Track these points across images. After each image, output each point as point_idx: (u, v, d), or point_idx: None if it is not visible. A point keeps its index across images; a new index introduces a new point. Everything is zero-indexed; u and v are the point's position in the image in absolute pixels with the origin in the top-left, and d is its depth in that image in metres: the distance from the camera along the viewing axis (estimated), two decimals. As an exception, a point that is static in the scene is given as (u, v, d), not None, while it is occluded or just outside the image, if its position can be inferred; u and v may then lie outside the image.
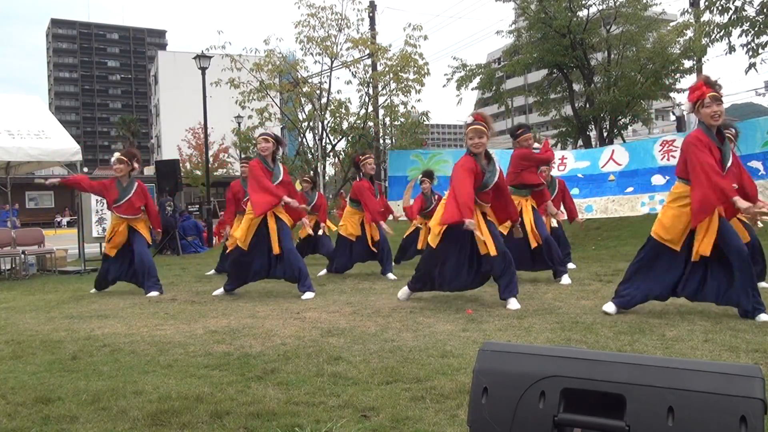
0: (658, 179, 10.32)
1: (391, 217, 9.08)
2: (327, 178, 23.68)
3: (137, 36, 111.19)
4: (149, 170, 50.72)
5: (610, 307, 4.94)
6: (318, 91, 17.45)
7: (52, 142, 10.11)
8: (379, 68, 17.31)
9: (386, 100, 17.58)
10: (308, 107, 17.60)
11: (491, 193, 5.60)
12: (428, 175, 9.03)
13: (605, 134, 17.77)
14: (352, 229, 8.35)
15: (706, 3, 12.42)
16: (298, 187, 9.15)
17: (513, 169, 7.02)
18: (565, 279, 6.89)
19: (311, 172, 19.52)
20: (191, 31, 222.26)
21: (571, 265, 7.85)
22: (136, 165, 7.51)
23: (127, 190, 7.36)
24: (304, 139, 18.97)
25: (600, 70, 17.62)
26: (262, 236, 6.60)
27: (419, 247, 9.12)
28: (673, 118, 28.26)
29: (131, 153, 7.64)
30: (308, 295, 6.40)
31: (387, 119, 18.60)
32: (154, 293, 7.09)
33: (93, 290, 7.60)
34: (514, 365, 1.74)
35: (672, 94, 19.14)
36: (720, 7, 11.75)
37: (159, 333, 4.77)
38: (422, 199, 9.01)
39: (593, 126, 18.07)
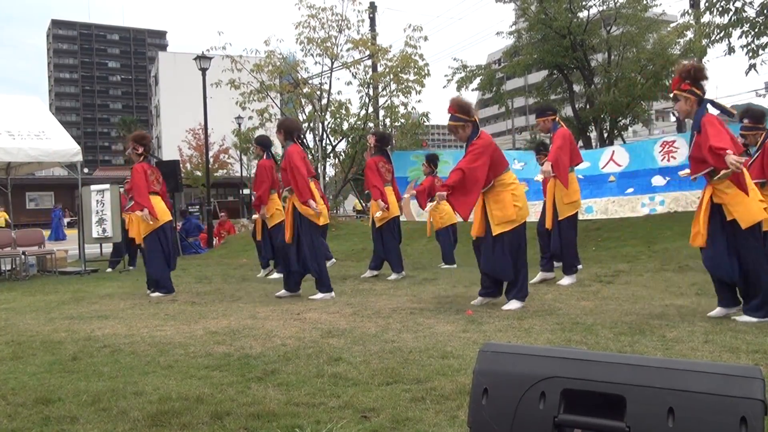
0: (658, 180, 10.30)
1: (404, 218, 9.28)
2: (327, 179, 23.67)
3: (138, 37, 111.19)
4: (149, 171, 50.66)
5: None
6: (318, 92, 17.44)
7: (52, 143, 10.12)
8: (380, 69, 17.30)
9: (386, 101, 17.57)
10: (308, 108, 17.59)
11: None
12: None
13: (605, 135, 17.77)
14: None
15: (707, 4, 12.40)
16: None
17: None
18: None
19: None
20: (192, 31, 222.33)
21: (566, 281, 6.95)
22: (140, 149, 7.10)
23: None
24: (305, 140, 18.97)
25: (600, 71, 17.62)
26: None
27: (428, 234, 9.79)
28: (673, 119, 28.26)
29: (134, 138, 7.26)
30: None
31: (387, 120, 18.58)
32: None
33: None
34: (515, 366, 1.74)
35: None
36: (720, 8, 11.73)
37: (159, 334, 4.77)
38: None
39: (593, 127, 18.07)
